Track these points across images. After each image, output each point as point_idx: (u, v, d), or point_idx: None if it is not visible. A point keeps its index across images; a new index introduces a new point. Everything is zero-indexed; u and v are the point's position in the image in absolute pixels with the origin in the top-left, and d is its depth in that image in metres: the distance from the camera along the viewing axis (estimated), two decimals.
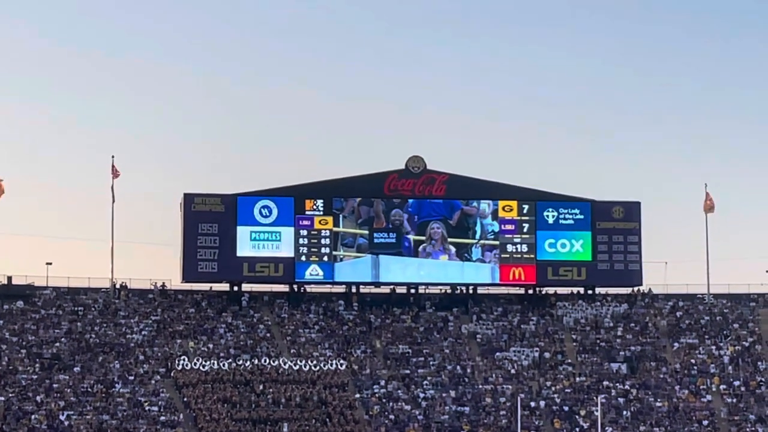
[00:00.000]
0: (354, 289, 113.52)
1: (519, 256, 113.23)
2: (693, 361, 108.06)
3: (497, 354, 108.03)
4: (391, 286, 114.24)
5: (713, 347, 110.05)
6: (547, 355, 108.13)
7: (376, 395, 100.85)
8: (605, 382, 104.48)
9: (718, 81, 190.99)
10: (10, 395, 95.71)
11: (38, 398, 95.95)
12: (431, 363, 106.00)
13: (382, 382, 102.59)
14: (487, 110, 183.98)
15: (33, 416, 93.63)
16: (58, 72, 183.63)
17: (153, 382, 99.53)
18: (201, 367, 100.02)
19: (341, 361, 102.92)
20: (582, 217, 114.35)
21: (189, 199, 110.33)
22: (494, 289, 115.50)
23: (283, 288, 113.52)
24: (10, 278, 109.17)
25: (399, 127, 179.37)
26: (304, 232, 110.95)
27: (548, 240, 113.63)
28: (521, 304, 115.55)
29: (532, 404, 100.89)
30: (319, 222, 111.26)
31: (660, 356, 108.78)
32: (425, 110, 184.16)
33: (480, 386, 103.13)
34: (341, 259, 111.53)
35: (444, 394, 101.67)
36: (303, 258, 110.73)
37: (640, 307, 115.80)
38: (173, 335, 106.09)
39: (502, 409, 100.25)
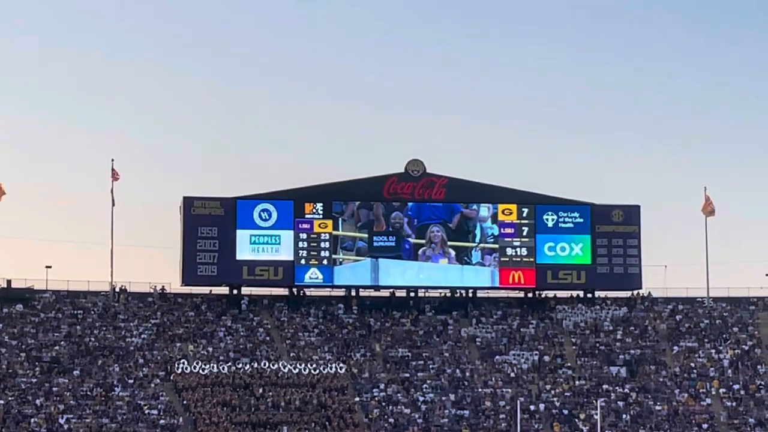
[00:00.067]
0: (353, 293, 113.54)
1: (518, 259, 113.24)
2: (692, 364, 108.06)
3: (497, 357, 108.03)
4: (391, 290, 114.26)
5: (713, 351, 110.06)
6: (546, 358, 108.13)
7: (376, 398, 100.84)
8: (605, 386, 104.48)
9: (717, 84, 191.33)
10: (10, 398, 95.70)
11: (38, 401, 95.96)
12: (431, 366, 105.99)
13: (382, 386, 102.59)
14: (487, 114, 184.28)
15: (32, 419, 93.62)
16: (58, 75, 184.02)
17: (152, 385, 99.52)
18: (200, 371, 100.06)
19: (341, 365, 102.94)
20: (581, 220, 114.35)
21: (188, 202, 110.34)
22: (494, 292, 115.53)
23: (282, 291, 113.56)
24: (9, 282, 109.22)
25: (398, 130, 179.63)
26: (303, 236, 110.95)
27: (548, 243, 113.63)
28: (521, 307, 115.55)
29: (532, 408, 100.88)
30: (319, 225, 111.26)
31: (659, 360, 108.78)
32: (425, 114, 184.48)
33: (479, 390, 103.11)
34: (341, 263, 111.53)
35: (443, 398, 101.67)
36: (302, 261, 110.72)
37: (639, 311, 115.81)
38: (173, 339, 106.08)
39: (502, 412, 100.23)
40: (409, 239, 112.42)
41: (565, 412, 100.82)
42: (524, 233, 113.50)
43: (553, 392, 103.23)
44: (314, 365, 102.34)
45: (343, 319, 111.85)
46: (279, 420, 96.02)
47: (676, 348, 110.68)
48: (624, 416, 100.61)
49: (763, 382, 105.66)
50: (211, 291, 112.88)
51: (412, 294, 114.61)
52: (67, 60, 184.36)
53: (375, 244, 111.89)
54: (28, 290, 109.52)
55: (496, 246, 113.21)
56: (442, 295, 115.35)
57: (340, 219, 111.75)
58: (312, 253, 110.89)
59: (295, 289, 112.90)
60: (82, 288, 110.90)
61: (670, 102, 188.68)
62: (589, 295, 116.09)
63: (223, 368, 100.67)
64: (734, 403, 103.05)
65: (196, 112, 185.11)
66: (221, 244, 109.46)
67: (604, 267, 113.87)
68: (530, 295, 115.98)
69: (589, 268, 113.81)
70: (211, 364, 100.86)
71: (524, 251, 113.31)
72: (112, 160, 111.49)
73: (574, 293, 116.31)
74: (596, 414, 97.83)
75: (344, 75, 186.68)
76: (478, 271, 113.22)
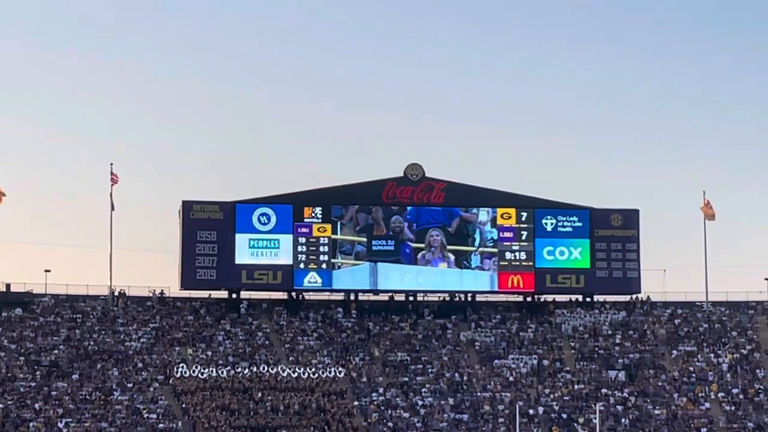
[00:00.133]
0: (352, 297, 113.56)
1: (517, 263, 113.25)
2: (691, 368, 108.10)
3: (496, 361, 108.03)
4: (390, 294, 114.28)
5: (712, 355, 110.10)
6: (545, 362, 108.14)
7: (375, 403, 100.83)
8: (604, 390, 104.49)
9: (717, 88, 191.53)
10: (9, 402, 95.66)
11: (37, 406, 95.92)
12: (430, 370, 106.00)
13: (381, 390, 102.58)
14: (486, 118, 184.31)
15: (31, 423, 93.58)
16: (58, 79, 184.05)
17: (151, 389, 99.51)
18: (199, 375, 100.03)
19: (340, 369, 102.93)
20: (580, 224, 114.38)
21: (188, 206, 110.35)
22: (493, 296, 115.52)
23: (281, 295, 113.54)
24: (8, 285, 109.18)
25: (397, 134, 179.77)
26: (302, 240, 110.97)
27: (547, 247, 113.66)
28: (520, 311, 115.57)
29: (531, 412, 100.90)
30: (318, 229, 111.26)
31: (658, 364, 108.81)
32: (424, 118, 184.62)
33: (478, 394, 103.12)
34: (339, 267, 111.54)
35: (442, 402, 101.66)
36: (301, 265, 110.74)
37: (638, 315, 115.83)
38: (172, 342, 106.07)
39: (501, 416, 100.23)
40: (409, 243, 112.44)
41: (564, 416, 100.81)
42: (523, 237, 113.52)
43: (552, 396, 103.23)
44: (313, 369, 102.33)
45: (342, 323, 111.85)
46: (278, 424, 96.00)
47: (675, 352, 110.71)
48: (623, 420, 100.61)
49: (762, 387, 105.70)
50: (210, 295, 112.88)
51: (411, 298, 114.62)
52: (67, 63, 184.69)
53: (374, 248, 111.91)
54: (27, 294, 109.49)
55: (495, 250, 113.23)
56: (441, 299, 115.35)
57: (339, 223, 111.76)
58: (311, 257, 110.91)
59: (294, 293, 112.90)
60: (82, 292, 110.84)
61: (669, 106, 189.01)
62: (588, 299, 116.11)
63: (222, 372, 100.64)
64: (733, 407, 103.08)
65: (195, 116, 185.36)
66: (220, 248, 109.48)
67: (603, 271, 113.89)
68: (529, 299, 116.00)
69: (588, 272, 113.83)
70: (210, 368, 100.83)
71: (523, 255, 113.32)
72: (111, 164, 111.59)
73: (573, 297, 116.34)
74: (595, 418, 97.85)
75: (343, 79, 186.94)
76: (477, 275, 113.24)
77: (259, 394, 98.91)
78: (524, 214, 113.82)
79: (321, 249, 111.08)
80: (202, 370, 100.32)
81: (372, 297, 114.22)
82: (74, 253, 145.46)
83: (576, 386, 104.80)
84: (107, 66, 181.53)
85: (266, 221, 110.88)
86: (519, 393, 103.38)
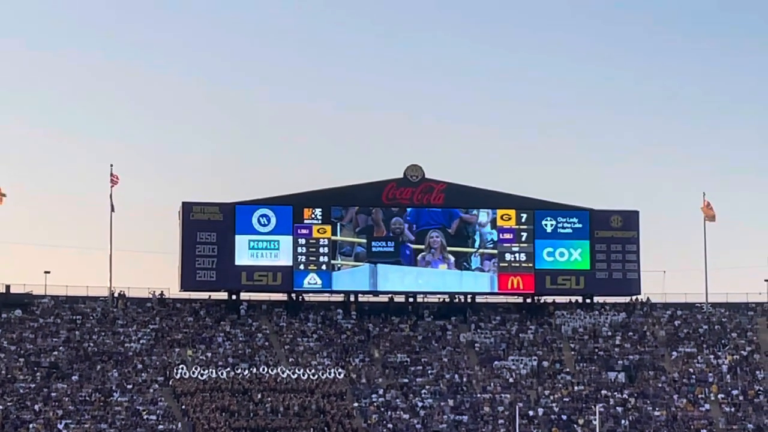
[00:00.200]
0: (352, 298, 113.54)
1: (517, 264, 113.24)
2: (691, 370, 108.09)
3: (495, 363, 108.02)
4: (390, 295, 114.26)
5: (711, 356, 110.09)
6: (545, 363, 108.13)
7: (375, 404, 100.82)
8: (603, 391, 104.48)
9: (717, 90, 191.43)
10: (9, 404, 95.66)
11: (36, 407, 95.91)
12: (429, 372, 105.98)
13: (381, 391, 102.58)
14: (486, 119, 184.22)
15: (31, 425, 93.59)
16: (57, 81, 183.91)
17: (151, 390, 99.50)
18: (199, 376, 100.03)
19: (339, 370, 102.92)
20: (580, 226, 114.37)
21: (187, 207, 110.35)
22: (492, 297, 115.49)
23: (281, 297, 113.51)
24: (8, 287, 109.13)
25: (397, 135, 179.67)
26: (302, 241, 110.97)
27: (546, 249, 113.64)
28: (519, 312, 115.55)
29: (531, 413, 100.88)
30: (318, 231, 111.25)
31: (658, 365, 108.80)
32: (423, 119, 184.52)
33: (478, 395, 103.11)
34: (339, 268, 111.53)
35: (442, 403, 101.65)
36: (301, 267, 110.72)
37: (638, 316, 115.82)
38: (171, 344, 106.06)
39: (501, 418, 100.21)
40: (409, 245, 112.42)
41: (564, 417, 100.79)
42: (523, 238, 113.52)
43: (551, 398, 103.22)
44: (313, 370, 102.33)
45: (342, 325, 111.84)
46: (278, 425, 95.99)
47: (674, 353, 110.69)
48: (623, 422, 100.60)
49: (761, 388, 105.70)
50: (209, 296, 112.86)
51: (411, 299, 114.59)
52: (67, 64, 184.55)
53: (373, 249, 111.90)
54: (27, 295, 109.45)
55: (495, 251, 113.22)
56: (441, 300, 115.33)
57: (338, 224, 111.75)
58: (311, 258, 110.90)
59: (293, 295, 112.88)
60: (81, 293, 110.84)
61: (669, 107, 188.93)
62: (588, 301, 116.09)
63: (222, 373, 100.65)
64: (733, 409, 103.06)
65: (195, 117, 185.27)
66: (220, 249, 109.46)
67: (602, 272, 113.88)
68: (529, 300, 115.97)
69: (587, 273, 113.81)
70: (210, 370, 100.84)
71: (523, 256, 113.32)
72: (111, 165, 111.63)
73: (573, 299, 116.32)
74: (595, 419, 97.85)
75: (343, 80, 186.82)
76: (476, 276, 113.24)
77: (259, 396, 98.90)
78: (524, 216, 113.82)
79: (321, 250, 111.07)
80: (201, 372, 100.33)
81: (372, 298, 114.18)
82: (74, 255, 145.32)
83: (576, 387, 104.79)
84: (107, 66, 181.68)
85: (266, 222, 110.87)
86: (519, 394, 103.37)
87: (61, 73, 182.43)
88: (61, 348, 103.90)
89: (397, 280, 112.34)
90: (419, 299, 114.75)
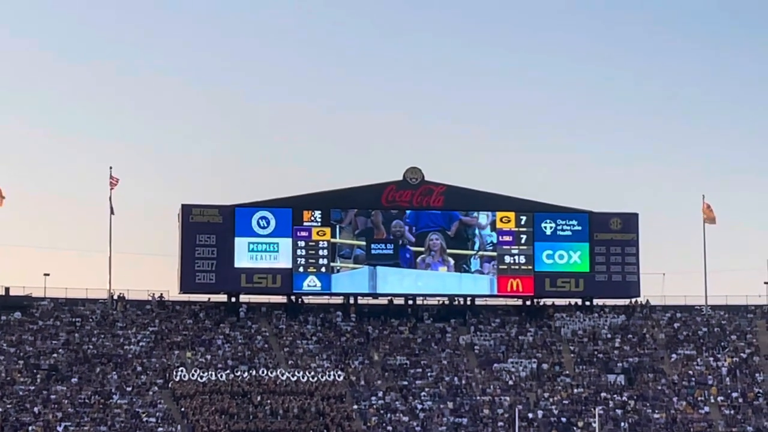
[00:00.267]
0: (352, 301, 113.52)
1: (517, 267, 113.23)
2: (691, 372, 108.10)
3: (495, 365, 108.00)
4: (389, 298, 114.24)
5: (711, 359, 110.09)
6: (545, 366, 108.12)
7: (374, 406, 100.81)
8: (603, 394, 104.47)
9: (716, 92, 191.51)
10: (8, 406, 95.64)
11: (36, 409, 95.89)
12: (429, 374, 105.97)
13: (380, 394, 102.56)
14: (485, 121, 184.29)
15: (30, 427, 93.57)
16: (57, 83, 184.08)
17: (151, 393, 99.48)
18: (199, 378, 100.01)
19: (339, 373, 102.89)
20: (580, 228, 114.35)
21: (187, 210, 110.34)
22: (492, 300, 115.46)
23: (280, 299, 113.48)
24: (7, 289, 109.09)
25: (397, 138, 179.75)
26: (302, 243, 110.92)
27: (546, 251, 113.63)
28: (519, 315, 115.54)
29: (530, 416, 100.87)
30: (317, 233, 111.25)
31: (658, 368, 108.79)
32: (423, 121, 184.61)
33: (478, 397, 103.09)
34: (338, 271, 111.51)
35: (442, 406, 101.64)
36: (301, 269, 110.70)
37: (637, 319, 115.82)
38: (171, 346, 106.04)
39: (500, 420, 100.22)
40: (410, 247, 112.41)
41: (564, 419, 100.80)
42: (522, 241, 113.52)
43: (551, 400, 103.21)
44: (312, 373, 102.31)
45: (342, 327, 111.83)
46: (277, 428, 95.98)
47: (674, 356, 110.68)
48: (622, 424, 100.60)
49: (761, 390, 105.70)
50: (209, 299, 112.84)
51: (410, 302, 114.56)
52: (66, 67, 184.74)
53: (373, 251, 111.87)
54: (27, 298, 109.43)
55: (495, 254, 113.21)
56: (441, 302, 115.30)
57: (338, 227, 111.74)
58: (310, 260, 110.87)
59: (293, 297, 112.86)
60: (81, 295, 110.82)
61: (668, 110, 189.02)
62: (588, 303, 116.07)
63: (222, 376, 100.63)
64: (732, 411, 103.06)
65: (194, 119, 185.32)
66: (219, 251, 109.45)
67: (602, 275, 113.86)
68: (528, 302, 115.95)
69: (587, 275, 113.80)
70: (210, 372, 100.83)
71: (522, 259, 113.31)
72: (110, 167, 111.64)
73: (573, 301, 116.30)
74: (594, 422, 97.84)
75: (342, 83, 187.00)
76: (476, 278, 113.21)
77: (258, 398, 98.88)
78: (523, 218, 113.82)
79: (320, 253, 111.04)
80: (201, 374, 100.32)
81: (371, 301, 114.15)
82: (73, 257, 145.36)
83: (575, 390, 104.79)
84: (107, 70, 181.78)
85: (265, 225, 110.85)
86: (518, 397, 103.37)
87: (61, 75, 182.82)
88: (60, 350, 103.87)
89: (397, 282, 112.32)
90: (419, 302, 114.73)
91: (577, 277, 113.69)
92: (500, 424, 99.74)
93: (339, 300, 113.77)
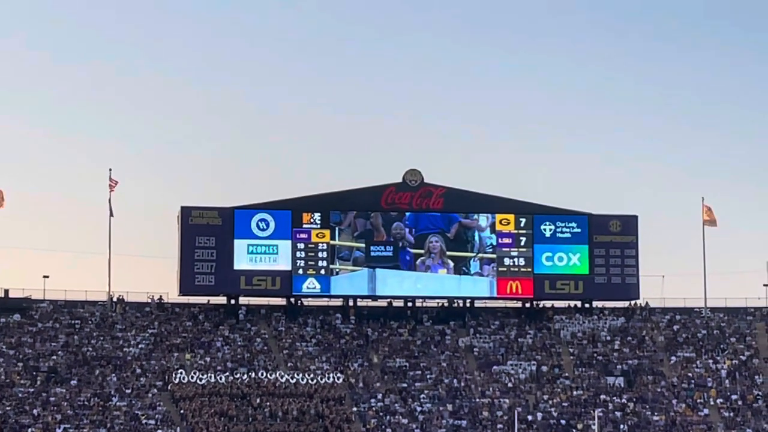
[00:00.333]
0: (351, 303, 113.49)
1: (516, 269, 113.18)
2: (690, 374, 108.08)
3: (494, 367, 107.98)
4: (388, 300, 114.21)
5: (710, 361, 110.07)
6: (544, 368, 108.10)
7: (374, 409, 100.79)
8: (602, 396, 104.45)
9: (715, 95, 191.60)
10: (7, 408, 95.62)
11: (35, 411, 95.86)
12: (428, 376, 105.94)
13: (380, 396, 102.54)
14: (484, 124, 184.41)
15: (30, 429, 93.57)
16: (56, 85, 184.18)
17: (150, 395, 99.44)
18: (198, 381, 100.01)
19: (338, 375, 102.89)
20: (579, 230, 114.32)
21: (186, 212, 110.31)
22: (491, 302, 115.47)
23: (280, 301, 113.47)
24: (7, 291, 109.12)
25: (396, 140, 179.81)
26: (301, 246, 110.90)
27: (545, 253, 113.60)
28: (518, 317, 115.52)
29: (530, 418, 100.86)
30: (317, 235, 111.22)
31: (657, 370, 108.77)
32: (422, 124, 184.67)
33: (477, 400, 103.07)
34: (338, 273, 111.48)
35: (441, 408, 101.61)
36: (300, 271, 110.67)
37: (637, 321, 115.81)
38: (170, 348, 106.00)
39: (500, 422, 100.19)
40: (410, 249, 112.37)
41: (563, 422, 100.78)
42: (522, 243, 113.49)
43: (550, 402, 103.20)
44: (312, 375, 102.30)
45: (341, 329, 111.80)
46: (276, 430, 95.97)
47: (673, 358, 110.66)
48: (622, 426, 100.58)
49: (760, 393, 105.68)
50: (208, 301, 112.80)
51: (410, 304, 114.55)
52: (66, 69, 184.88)
53: (372, 254, 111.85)
54: (26, 300, 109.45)
55: (494, 256, 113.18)
56: (440, 305, 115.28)
57: (337, 229, 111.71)
58: (310, 263, 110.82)
59: (292, 299, 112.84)
60: (80, 298, 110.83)
61: (668, 112, 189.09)
62: (587, 305, 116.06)
63: (221, 378, 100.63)
64: (732, 414, 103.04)
65: (194, 121, 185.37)
66: (219, 253, 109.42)
67: (601, 277, 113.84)
68: (528, 305, 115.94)
69: (586, 278, 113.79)
70: (209, 374, 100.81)
71: (522, 261, 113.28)
72: (110, 169, 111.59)
73: (572, 303, 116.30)
74: (594, 424, 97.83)
75: (342, 85, 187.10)
76: (475, 281, 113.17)
77: (258, 400, 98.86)
78: (523, 220, 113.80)
79: (320, 255, 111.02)
80: (200, 376, 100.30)
81: (370, 303, 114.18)
82: (73, 259, 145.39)
83: (575, 392, 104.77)
84: (107, 72, 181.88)
85: (265, 227, 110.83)
86: (518, 399, 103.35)
87: (61, 77, 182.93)
88: (59, 352, 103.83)
89: (396, 284, 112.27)
90: (418, 304, 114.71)
91: (576, 279, 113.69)
92: (499, 426, 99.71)
93: (338, 302, 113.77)
